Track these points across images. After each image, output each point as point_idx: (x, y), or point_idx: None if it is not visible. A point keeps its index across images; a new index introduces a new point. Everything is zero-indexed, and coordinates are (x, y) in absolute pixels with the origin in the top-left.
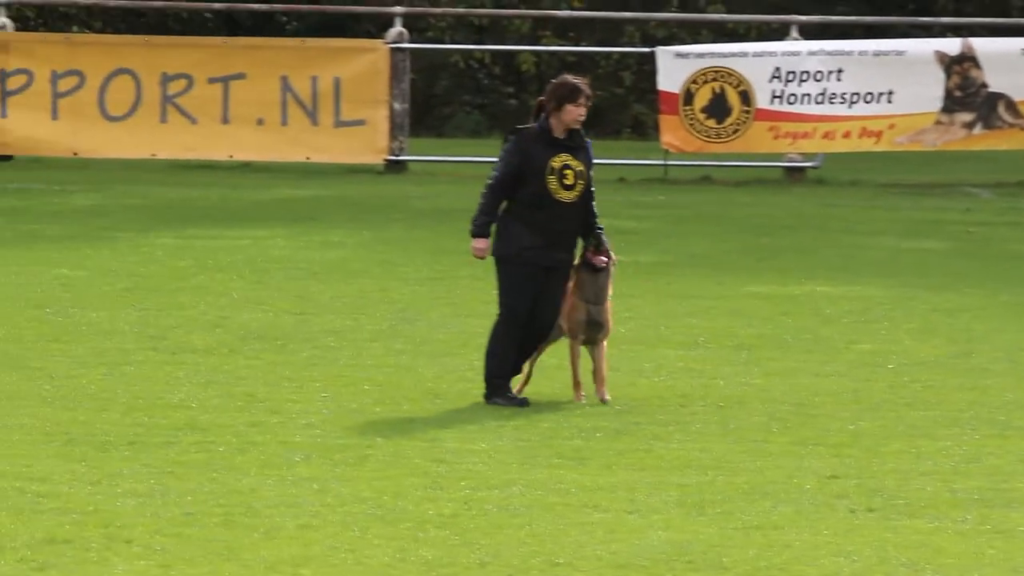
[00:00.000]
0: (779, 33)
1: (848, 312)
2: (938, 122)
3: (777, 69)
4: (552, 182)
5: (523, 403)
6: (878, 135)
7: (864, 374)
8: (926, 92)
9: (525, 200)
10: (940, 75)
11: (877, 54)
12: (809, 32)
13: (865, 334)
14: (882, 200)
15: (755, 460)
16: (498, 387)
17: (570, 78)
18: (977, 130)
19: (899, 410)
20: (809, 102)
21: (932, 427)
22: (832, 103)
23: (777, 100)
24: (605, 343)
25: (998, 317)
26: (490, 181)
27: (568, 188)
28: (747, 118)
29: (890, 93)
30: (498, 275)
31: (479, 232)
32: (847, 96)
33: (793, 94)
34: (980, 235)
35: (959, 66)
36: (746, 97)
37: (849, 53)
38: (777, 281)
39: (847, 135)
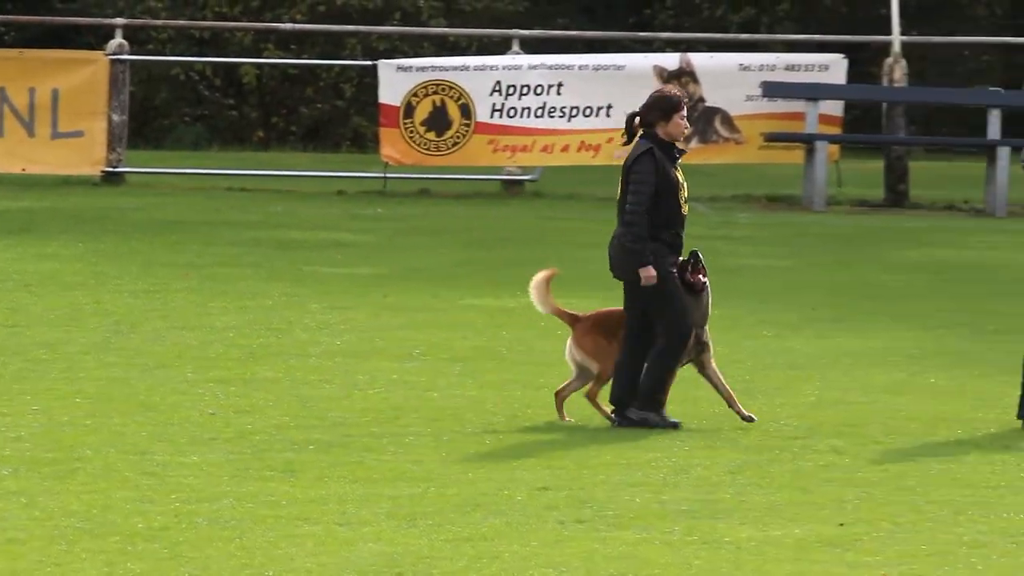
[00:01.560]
0: (500, 47)
1: (562, 325)
2: None
3: (498, 83)
4: (681, 198)
5: (676, 425)
6: (596, 149)
7: None
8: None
9: (660, 220)
10: None
11: (597, 68)
12: (530, 46)
13: None
14: (599, 213)
15: (467, 472)
16: (660, 404)
17: (668, 89)
18: (694, 144)
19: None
20: (529, 116)
21: (643, 439)
22: (552, 117)
23: (497, 114)
24: (714, 361)
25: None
26: (635, 206)
27: (686, 202)
28: (467, 131)
29: (609, 107)
30: (660, 299)
31: (649, 260)
32: (567, 110)
33: (513, 108)
34: (695, 248)
35: (677, 81)
36: (466, 110)
37: (569, 67)
38: (493, 294)
39: (566, 149)
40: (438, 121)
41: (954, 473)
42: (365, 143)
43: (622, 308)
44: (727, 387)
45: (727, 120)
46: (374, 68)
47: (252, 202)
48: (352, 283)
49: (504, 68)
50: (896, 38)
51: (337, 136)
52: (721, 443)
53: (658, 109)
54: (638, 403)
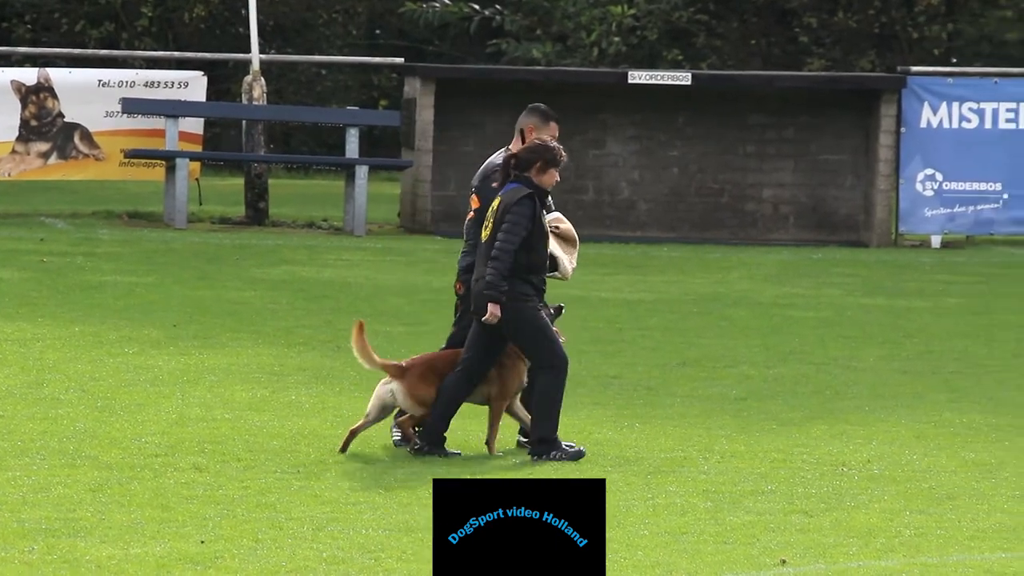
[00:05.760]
0: None
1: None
2: (14, 151)
3: None
4: (547, 246)
5: (582, 454)
6: None
7: None
8: (2, 121)
9: (531, 264)
10: (16, 104)
11: None
12: None
13: None
14: None
15: None
16: (557, 441)
17: (550, 141)
18: (53, 160)
19: None
20: None
21: (1, 457)
22: None
23: None
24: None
25: (71, 347)
26: (506, 244)
27: (547, 250)
28: None
29: None
30: (529, 331)
31: (499, 299)
32: None
33: None
34: (55, 265)
35: (36, 96)
36: None
37: None
38: None
39: None
40: None
41: (314, 489)
42: None
43: (447, 351)
44: (526, 414)
45: (87, 136)
46: None
47: None
48: None
49: None
50: (255, 56)
51: None
52: (82, 461)
53: (542, 158)
54: (536, 448)
